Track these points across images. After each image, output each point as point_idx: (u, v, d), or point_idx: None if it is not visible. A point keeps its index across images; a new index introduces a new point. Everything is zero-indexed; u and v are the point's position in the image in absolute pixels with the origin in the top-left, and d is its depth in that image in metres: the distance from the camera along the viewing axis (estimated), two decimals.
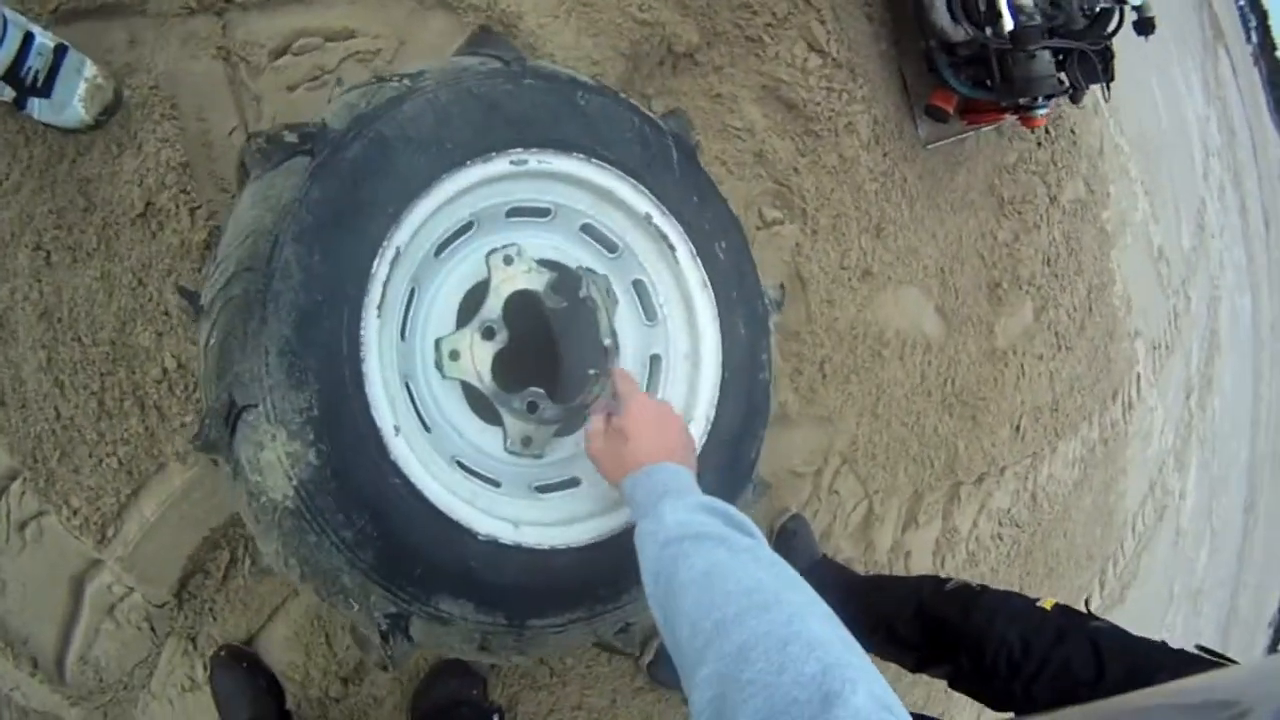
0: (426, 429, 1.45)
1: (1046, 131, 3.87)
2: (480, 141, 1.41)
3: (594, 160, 1.51)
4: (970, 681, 1.89)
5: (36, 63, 1.69)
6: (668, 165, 1.60)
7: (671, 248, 1.61)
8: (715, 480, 1.58)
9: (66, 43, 1.74)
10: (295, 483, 1.21)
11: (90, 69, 1.77)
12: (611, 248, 1.66)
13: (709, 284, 1.64)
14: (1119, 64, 3.06)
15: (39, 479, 1.80)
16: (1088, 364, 4.24)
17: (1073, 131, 4.12)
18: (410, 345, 1.48)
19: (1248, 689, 0.98)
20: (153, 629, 1.91)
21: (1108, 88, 3.07)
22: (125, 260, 1.85)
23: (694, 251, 1.62)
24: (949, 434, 3.22)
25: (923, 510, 3.10)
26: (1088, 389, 4.24)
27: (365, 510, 1.24)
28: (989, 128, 3.33)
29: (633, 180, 1.55)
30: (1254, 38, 17.29)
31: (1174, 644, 1.66)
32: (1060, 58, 2.88)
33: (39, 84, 1.70)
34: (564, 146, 1.48)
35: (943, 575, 2.21)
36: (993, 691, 1.81)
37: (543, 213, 1.60)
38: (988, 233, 3.53)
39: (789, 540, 2.52)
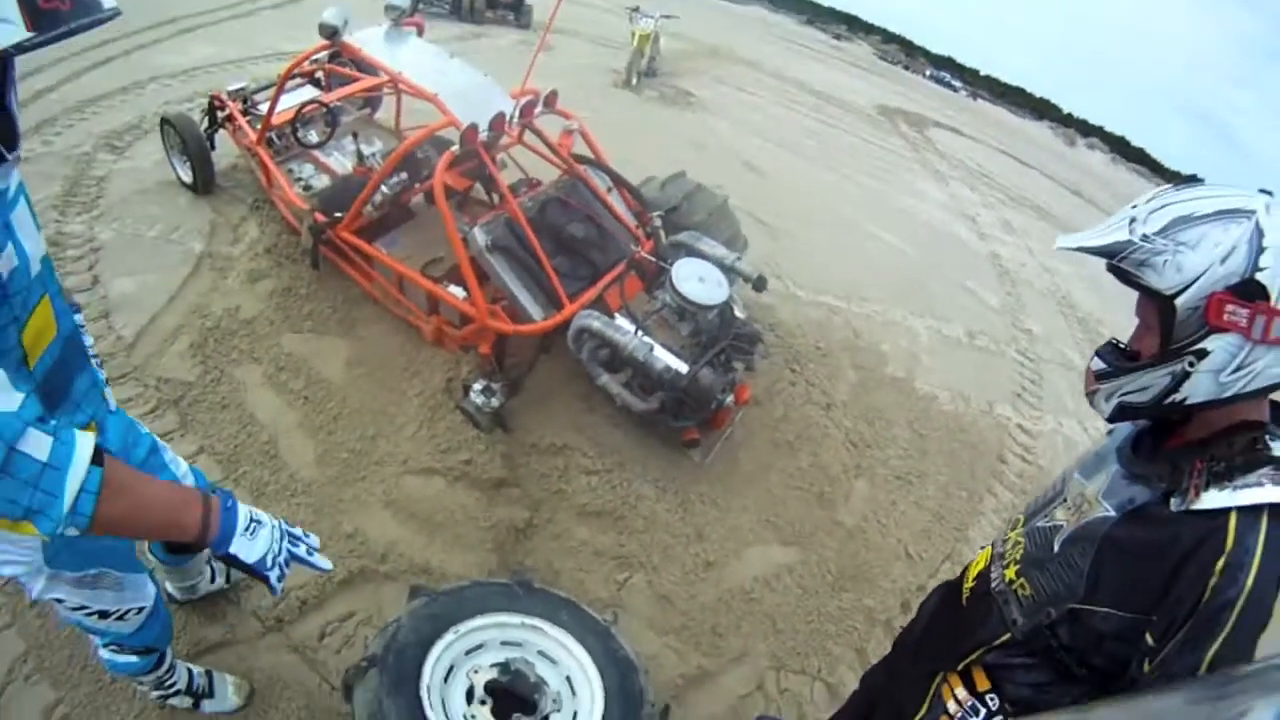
0: None
1: (792, 370, 5.28)
2: None
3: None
4: None
5: (201, 681, 2.98)
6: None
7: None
8: None
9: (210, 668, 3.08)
10: None
11: (230, 676, 3.09)
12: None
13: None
14: None
15: None
16: (949, 467, 5.29)
17: (818, 347, 5.57)
18: None
19: (1248, 689, 1.03)
20: None
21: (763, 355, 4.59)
22: None
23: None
24: (852, 602, 4.23)
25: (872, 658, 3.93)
26: (966, 479, 5.26)
27: None
28: (738, 416, 4.78)
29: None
30: None
31: None
32: (724, 358, 4.38)
33: (209, 692, 3.00)
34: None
35: None
36: None
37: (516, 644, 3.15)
38: (791, 470, 4.75)
39: None
